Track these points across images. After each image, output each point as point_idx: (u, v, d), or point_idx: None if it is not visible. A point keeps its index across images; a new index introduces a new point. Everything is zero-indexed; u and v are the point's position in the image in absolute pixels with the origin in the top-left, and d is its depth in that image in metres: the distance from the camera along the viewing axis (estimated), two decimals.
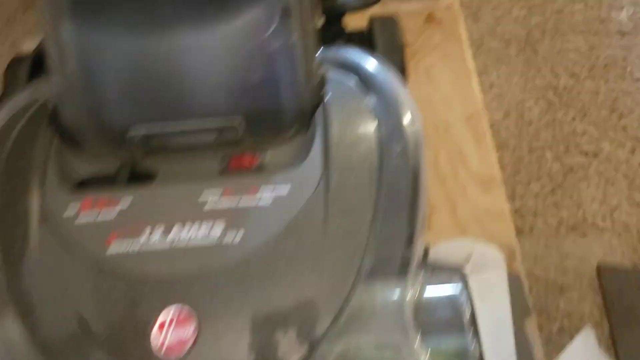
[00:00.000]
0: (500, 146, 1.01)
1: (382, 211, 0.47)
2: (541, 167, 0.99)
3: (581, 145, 1.01)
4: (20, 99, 0.54)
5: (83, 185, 0.51)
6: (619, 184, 0.97)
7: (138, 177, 0.51)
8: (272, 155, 0.51)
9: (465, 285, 0.47)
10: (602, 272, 0.74)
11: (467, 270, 0.49)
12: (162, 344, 0.42)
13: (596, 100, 1.08)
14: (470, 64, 0.82)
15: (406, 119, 0.49)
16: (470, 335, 0.45)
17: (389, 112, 0.50)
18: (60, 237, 0.46)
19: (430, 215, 0.66)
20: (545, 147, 1.01)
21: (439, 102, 0.77)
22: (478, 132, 0.76)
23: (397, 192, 0.48)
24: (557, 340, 0.75)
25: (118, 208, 0.47)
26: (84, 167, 0.52)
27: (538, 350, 0.53)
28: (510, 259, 0.54)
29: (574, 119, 1.05)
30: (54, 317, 0.44)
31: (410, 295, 0.46)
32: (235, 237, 0.45)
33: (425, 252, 0.50)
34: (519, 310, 0.53)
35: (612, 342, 0.65)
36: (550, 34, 1.16)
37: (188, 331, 0.42)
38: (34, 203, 0.48)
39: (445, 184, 0.68)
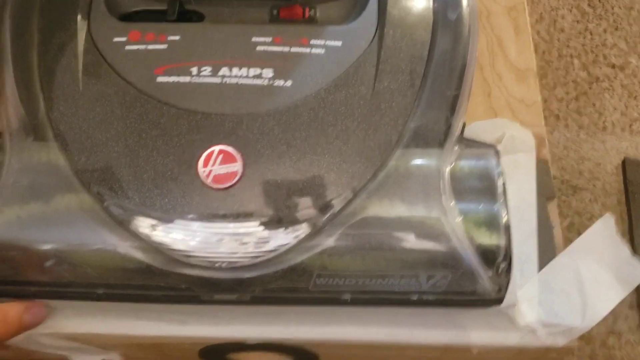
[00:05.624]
0: None
1: (431, 78, 0.46)
2: (568, 73, 0.99)
3: (609, 57, 1.00)
4: None
5: (129, 17, 0.50)
6: None
7: (186, 17, 0.51)
8: (324, 10, 0.51)
9: (499, 159, 0.48)
10: (628, 164, 0.76)
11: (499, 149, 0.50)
12: (209, 174, 0.43)
13: (629, 15, 1.06)
14: None
15: None
16: (501, 205, 0.46)
17: None
18: (107, 59, 0.46)
19: None
20: (574, 55, 1.01)
21: None
22: (519, 24, 0.75)
23: (447, 60, 0.47)
24: (566, 233, 0.78)
25: (167, 41, 0.47)
26: (132, 0, 0.51)
27: (558, 232, 0.54)
28: (539, 145, 0.55)
29: (605, 31, 1.04)
30: (96, 140, 0.43)
31: (448, 162, 0.47)
32: (285, 81, 0.45)
33: (463, 127, 0.50)
34: (544, 193, 0.54)
35: (630, 230, 0.69)
36: None
37: (233, 166, 0.43)
38: (79, 27, 0.47)
39: (482, 70, 0.68)
